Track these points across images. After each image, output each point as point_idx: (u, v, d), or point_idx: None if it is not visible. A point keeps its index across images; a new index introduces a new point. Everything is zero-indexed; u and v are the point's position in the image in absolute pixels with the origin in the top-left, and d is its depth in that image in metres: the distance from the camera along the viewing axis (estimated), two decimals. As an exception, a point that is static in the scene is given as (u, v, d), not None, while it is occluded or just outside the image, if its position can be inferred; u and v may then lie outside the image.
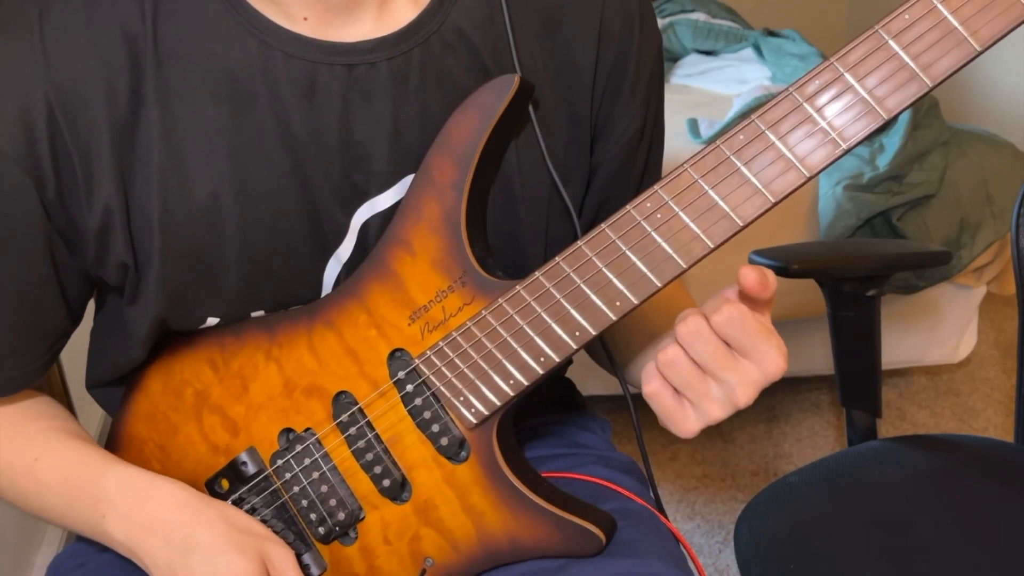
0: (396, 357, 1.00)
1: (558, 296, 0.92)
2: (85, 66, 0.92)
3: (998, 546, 1.32)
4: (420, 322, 0.98)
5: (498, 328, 0.95)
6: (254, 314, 1.04)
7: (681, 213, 0.86)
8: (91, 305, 1.13)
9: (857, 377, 1.67)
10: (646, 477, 1.22)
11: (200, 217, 0.96)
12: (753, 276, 0.82)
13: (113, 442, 1.12)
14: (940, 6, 0.78)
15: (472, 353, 0.96)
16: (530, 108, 1.00)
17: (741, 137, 0.84)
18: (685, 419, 0.90)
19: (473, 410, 0.98)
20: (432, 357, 0.98)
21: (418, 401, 1.00)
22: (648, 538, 1.08)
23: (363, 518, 1.03)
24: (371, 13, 0.96)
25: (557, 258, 0.92)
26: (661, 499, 1.17)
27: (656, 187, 0.87)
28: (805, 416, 2.89)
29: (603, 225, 0.89)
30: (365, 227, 1.01)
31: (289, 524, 1.05)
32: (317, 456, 1.02)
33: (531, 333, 0.94)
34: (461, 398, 0.98)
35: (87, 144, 0.93)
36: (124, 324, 1.05)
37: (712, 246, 0.86)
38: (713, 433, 2.83)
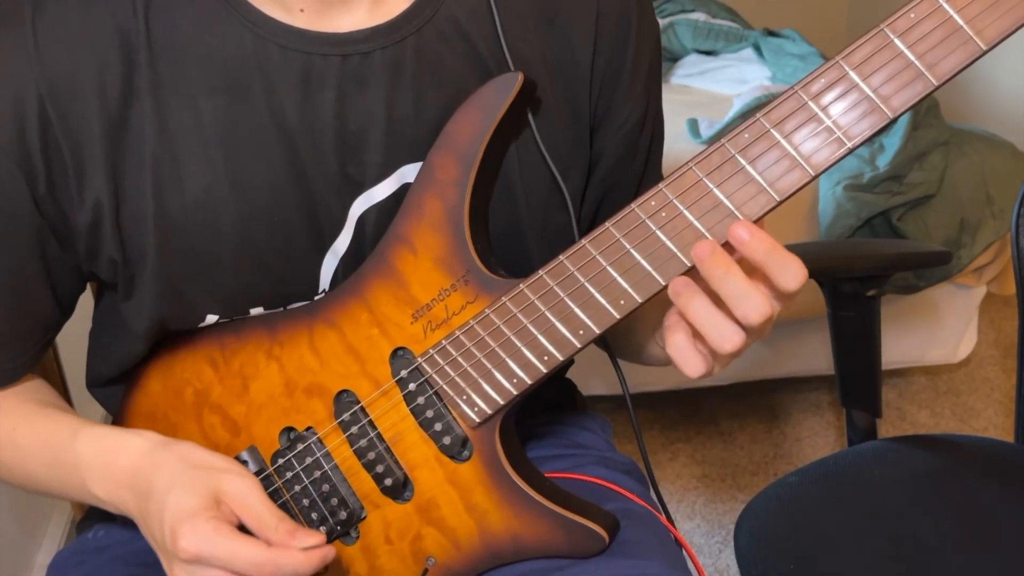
0: (398, 356, 1.00)
1: (562, 294, 0.92)
2: (77, 60, 0.92)
3: (998, 546, 1.32)
4: (422, 320, 0.98)
5: (501, 327, 0.95)
6: (253, 311, 1.04)
7: (686, 211, 0.86)
8: (89, 305, 1.13)
9: (857, 377, 1.67)
10: (646, 478, 1.22)
11: (195, 210, 0.96)
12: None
13: (113, 441, 1.12)
14: (945, 5, 0.78)
15: (475, 351, 0.96)
16: (530, 116, 1.00)
17: (746, 135, 0.84)
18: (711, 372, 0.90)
19: (476, 409, 0.98)
20: (435, 356, 0.98)
21: (420, 400, 1.00)
22: (649, 539, 1.08)
23: (365, 517, 1.03)
24: (366, 2, 0.96)
25: (561, 256, 0.92)
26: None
27: (661, 185, 0.87)
28: (805, 416, 2.89)
29: (607, 223, 0.89)
30: (362, 219, 1.01)
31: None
32: (318, 455, 1.02)
33: (534, 331, 0.94)
34: (464, 397, 0.98)
35: (78, 138, 0.93)
36: (123, 320, 1.05)
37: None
38: (713, 433, 2.83)
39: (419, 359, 0.99)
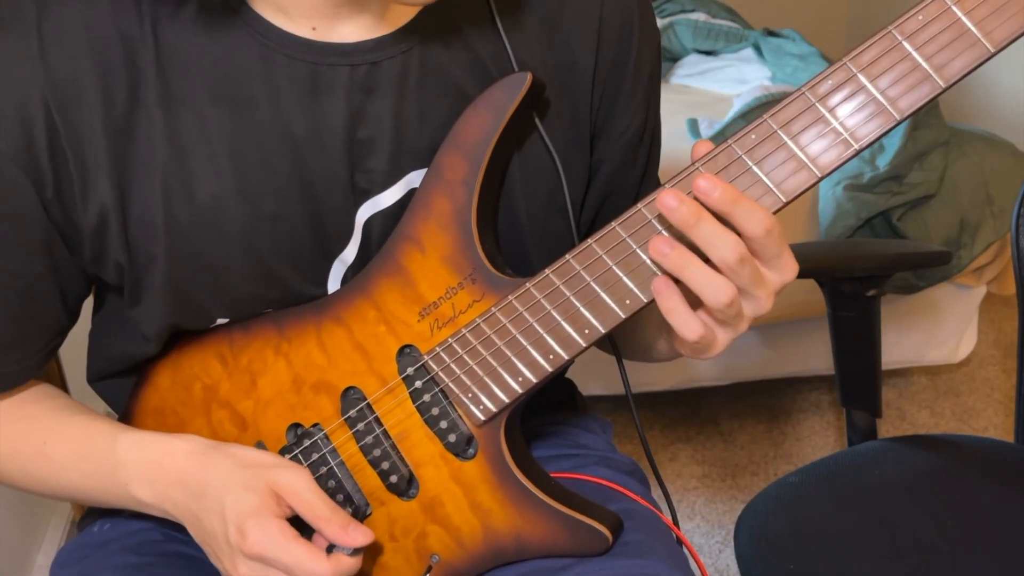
0: (405, 353, 1.00)
1: (568, 294, 0.92)
2: (82, 67, 0.92)
3: (998, 546, 1.32)
4: (429, 318, 0.99)
5: (507, 325, 0.95)
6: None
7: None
8: (87, 303, 1.13)
9: (857, 377, 1.67)
10: (647, 478, 1.22)
11: (203, 218, 0.96)
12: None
13: (121, 436, 1.12)
14: (954, 7, 0.78)
15: (481, 350, 0.96)
16: (536, 118, 1.01)
17: (753, 136, 0.84)
18: (714, 345, 0.90)
19: (481, 407, 0.98)
20: (441, 353, 0.98)
21: (426, 397, 1.00)
22: (652, 539, 1.09)
23: (369, 514, 1.03)
24: (374, 13, 0.96)
25: (567, 255, 0.92)
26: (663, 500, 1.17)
27: (667, 184, 0.87)
28: (805, 416, 2.89)
29: (613, 223, 0.90)
30: (368, 225, 1.01)
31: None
32: (325, 451, 1.03)
33: (540, 330, 0.94)
34: (469, 395, 0.98)
35: (82, 144, 0.93)
36: (130, 324, 1.05)
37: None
38: (713, 433, 2.83)
39: (425, 357, 0.99)
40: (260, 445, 1.04)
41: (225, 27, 0.94)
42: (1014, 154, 2.57)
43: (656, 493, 1.22)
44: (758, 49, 3.18)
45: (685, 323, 0.88)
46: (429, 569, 1.04)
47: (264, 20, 0.94)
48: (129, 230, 0.97)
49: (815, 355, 2.66)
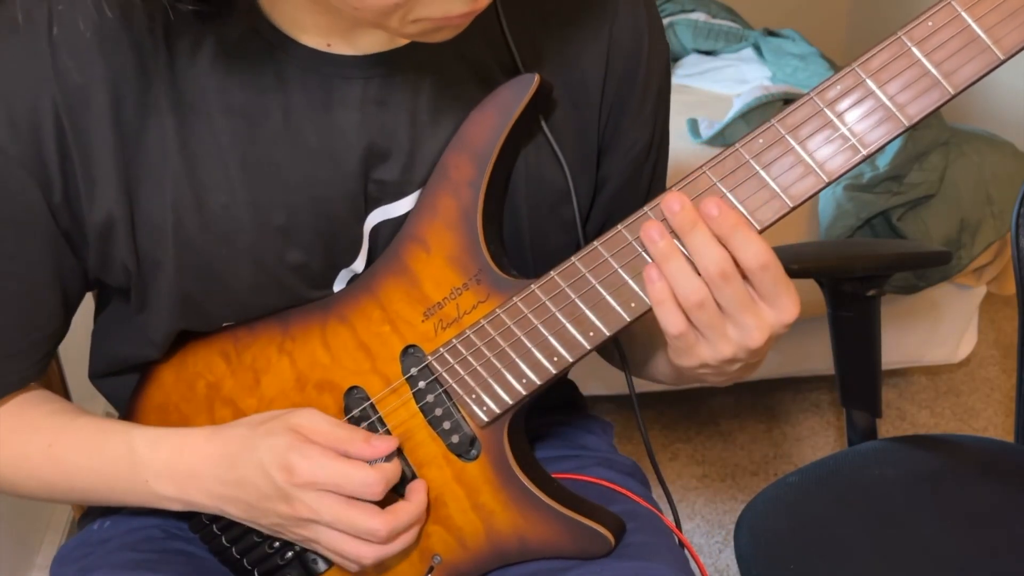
0: (409, 353, 1.00)
1: (573, 296, 0.92)
2: (93, 73, 0.91)
3: (998, 546, 1.33)
4: (434, 319, 0.99)
5: (512, 327, 0.95)
6: None
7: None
8: (87, 302, 1.12)
9: (857, 377, 1.67)
10: (648, 479, 1.22)
11: (213, 227, 0.96)
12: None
13: (125, 433, 1.12)
14: (964, 14, 0.78)
15: (485, 351, 0.97)
16: (542, 120, 1.01)
17: (760, 141, 0.84)
18: (696, 352, 0.90)
19: (485, 408, 0.98)
20: (445, 354, 0.98)
21: (430, 398, 1.00)
22: (653, 541, 1.09)
23: (371, 514, 1.04)
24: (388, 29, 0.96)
25: (573, 258, 0.92)
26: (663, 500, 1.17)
27: (674, 189, 0.87)
28: (805, 416, 2.89)
29: (620, 226, 0.90)
30: (375, 232, 1.01)
31: None
32: None
33: (545, 332, 0.94)
34: (473, 396, 0.98)
35: (90, 150, 0.92)
36: (136, 328, 1.05)
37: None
38: (713, 433, 2.83)
39: (429, 357, 0.99)
40: None
41: (240, 37, 0.94)
42: (1014, 154, 2.58)
43: (657, 493, 1.22)
44: (758, 49, 3.18)
45: (667, 313, 0.88)
46: (431, 569, 1.04)
47: (279, 31, 0.93)
48: (137, 236, 0.96)
49: (815, 355, 2.66)
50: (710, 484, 2.65)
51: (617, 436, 1.52)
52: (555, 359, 0.95)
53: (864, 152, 0.82)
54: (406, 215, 1.00)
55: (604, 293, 0.91)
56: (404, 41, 0.96)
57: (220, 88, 0.93)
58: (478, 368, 0.97)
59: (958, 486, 1.45)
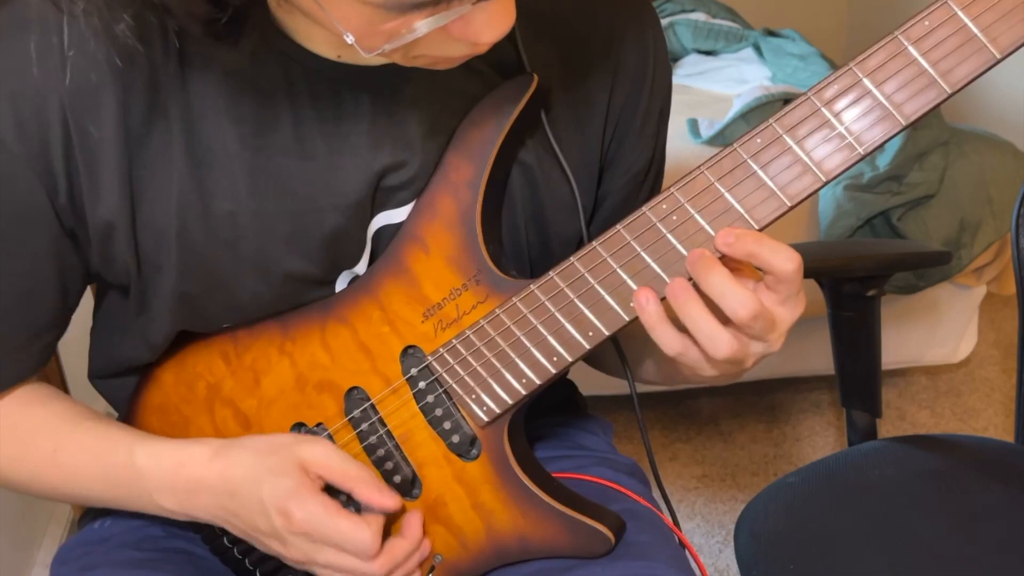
0: (409, 354, 1.00)
1: (572, 296, 0.92)
2: (102, 76, 0.91)
3: (998, 546, 1.32)
4: (434, 319, 0.99)
5: (511, 327, 0.95)
6: None
7: (697, 215, 0.87)
8: (87, 300, 1.12)
9: (857, 377, 1.67)
10: (648, 479, 1.23)
11: (216, 234, 0.96)
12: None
13: (125, 434, 1.12)
14: (960, 13, 0.78)
15: (485, 351, 0.97)
16: (543, 115, 1.01)
17: (758, 140, 0.84)
18: (701, 365, 0.91)
19: (485, 408, 0.98)
20: (445, 354, 0.98)
21: (430, 398, 1.00)
22: (654, 540, 1.09)
23: (373, 513, 1.04)
24: None
25: (572, 258, 0.92)
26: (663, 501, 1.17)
27: (672, 188, 0.87)
28: (805, 416, 2.89)
29: (618, 226, 0.90)
30: (377, 236, 1.01)
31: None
32: None
33: (544, 332, 0.94)
34: (473, 396, 0.98)
35: (94, 153, 0.92)
36: (135, 331, 1.05)
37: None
38: (713, 433, 2.83)
39: (429, 357, 0.99)
40: None
41: (251, 46, 0.94)
42: (1014, 154, 2.58)
43: (656, 494, 1.22)
44: (758, 49, 3.18)
45: (663, 335, 0.88)
46: (432, 569, 1.04)
47: (290, 41, 0.92)
48: (138, 240, 0.96)
49: (815, 355, 2.65)
50: (710, 484, 2.66)
51: (617, 436, 1.52)
52: (554, 359, 0.95)
53: (861, 151, 0.82)
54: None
55: (603, 293, 0.91)
56: None
57: (230, 95, 0.93)
58: (478, 368, 0.97)
59: (958, 486, 1.44)
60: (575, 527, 1.02)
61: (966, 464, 1.51)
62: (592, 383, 1.42)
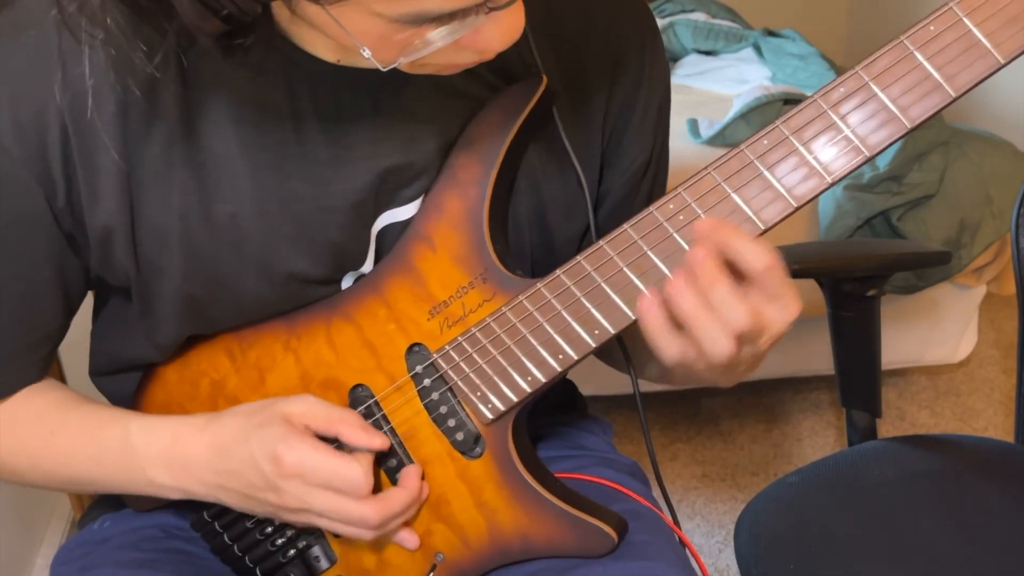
0: (414, 351, 1.01)
1: (578, 294, 0.93)
2: (101, 78, 0.90)
3: (998, 546, 1.32)
4: (439, 317, 0.99)
5: (517, 325, 0.95)
6: None
7: (703, 216, 0.87)
8: (87, 299, 1.13)
9: (857, 377, 1.67)
10: (649, 479, 1.23)
11: (219, 236, 0.96)
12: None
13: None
14: (965, 19, 0.79)
15: (491, 349, 0.97)
16: (556, 115, 1.01)
17: (765, 142, 0.85)
18: (697, 368, 0.90)
19: (490, 406, 0.99)
20: (450, 352, 0.99)
21: (435, 396, 1.00)
22: (655, 540, 1.09)
23: (376, 511, 1.04)
24: None
25: (578, 256, 0.92)
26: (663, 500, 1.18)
27: (679, 189, 0.88)
28: (805, 416, 2.90)
29: (625, 225, 0.90)
30: (382, 235, 1.02)
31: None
32: None
33: (550, 330, 0.95)
34: (478, 393, 0.99)
35: (93, 155, 0.92)
36: (138, 330, 1.05)
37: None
38: (713, 433, 2.83)
39: (434, 355, 1.00)
40: None
41: (252, 50, 0.93)
42: (1014, 154, 2.58)
43: (656, 493, 1.22)
44: (758, 49, 3.18)
45: (661, 340, 0.88)
46: (433, 567, 1.05)
47: (291, 44, 0.91)
48: (138, 243, 0.96)
49: (815, 355, 2.65)
50: (710, 484, 2.66)
51: (617, 436, 1.52)
52: (560, 357, 0.95)
53: (867, 153, 0.83)
54: (411, 219, 1.01)
55: (609, 291, 0.92)
56: None
57: (230, 97, 0.93)
58: (483, 366, 0.98)
59: (958, 486, 1.44)
60: (578, 526, 1.02)
61: (966, 464, 1.51)
62: (592, 383, 1.42)
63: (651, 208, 0.89)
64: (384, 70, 0.80)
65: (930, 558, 1.30)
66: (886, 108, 0.82)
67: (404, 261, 1.00)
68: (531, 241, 1.05)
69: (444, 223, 0.99)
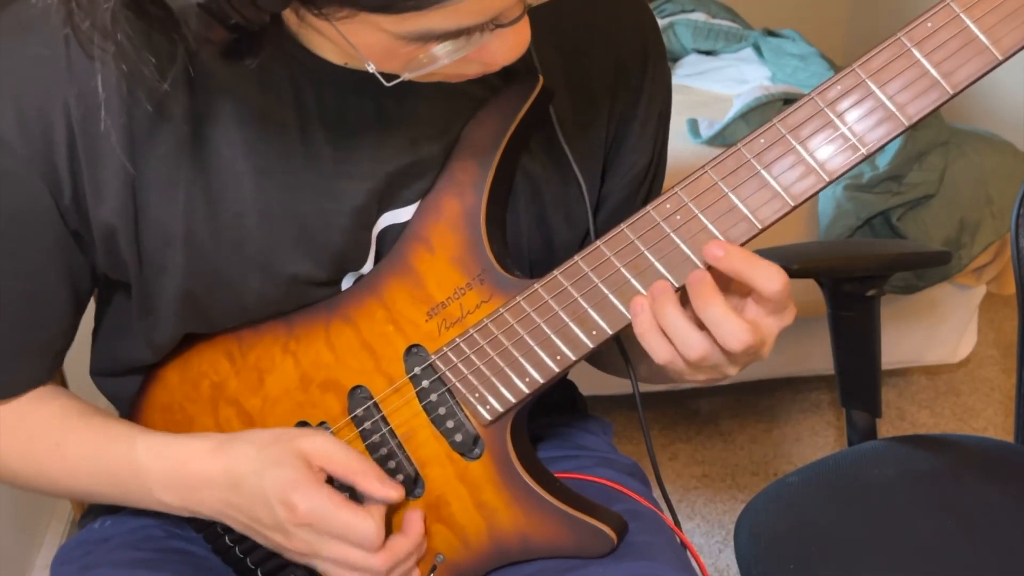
0: (413, 353, 1.01)
1: (576, 295, 0.93)
2: (107, 76, 0.90)
3: (998, 546, 1.32)
4: (438, 319, 0.99)
5: (515, 326, 0.95)
6: None
7: (700, 215, 0.87)
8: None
9: (857, 377, 1.67)
10: (649, 479, 1.23)
11: (223, 236, 0.96)
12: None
13: (129, 432, 1.12)
14: (963, 15, 0.78)
15: (489, 350, 0.97)
16: (553, 116, 1.01)
17: (762, 140, 0.85)
18: (689, 373, 0.93)
19: (488, 407, 0.98)
20: (448, 353, 0.99)
21: (433, 397, 1.00)
22: (656, 540, 1.09)
23: (375, 512, 1.04)
24: None
25: (576, 257, 0.92)
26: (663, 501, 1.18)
27: (676, 188, 0.88)
28: (805, 416, 2.90)
29: (622, 225, 0.90)
30: (382, 235, 1.02)
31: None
32: None
33: (548, 331, 0.94)
34: (476, 394, 0.98)
35: (98, 154, 0.92)
36: (139, 330, 1.05)
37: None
38: (713, 433, 2.83)
39: (433, 356, 1.00)
40: None
41: (258, 55, 0.93)
42: (1014, 154, 2.58)
43: (656, 494, 1.22)
44: (758, 49, 3.18)
45: (652, 341, 0.90)
46: (434, 568, 1.05)
47: (298, 45, 0.90)
48: (141, 241, 0.96)
49: (815, 355, 2.66)
50: (710, 484, 2.66)
51: (616, 436, 1.52)
52: (558, 358, 0.95)
53: (864, 151, 0.83)
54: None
55: (606, 292, 0.92)
56: None
57: (236, 100, 0.93)
58: (481, 367, 0.98)
59: (958, 486, 1.44)
60: (577, 527, 1.02)
61: (966, 464, 1.51)
62: (592, 383, 1.42)
63: (648, 208, 0.89)
64: (389, 85, 0.80)
65: (930, 558, 1.30)
66: (883, 106, 0.82)
67: (402, 262, 1.00)
68: (530, 243, 1.05)
69: (442, 224, 0.99)
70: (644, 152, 1.09)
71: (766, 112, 2.62)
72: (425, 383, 1.00)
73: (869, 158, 0.84)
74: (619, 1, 1.07)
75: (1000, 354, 3.15)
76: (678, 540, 1.13)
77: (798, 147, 0.84)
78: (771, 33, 3.27)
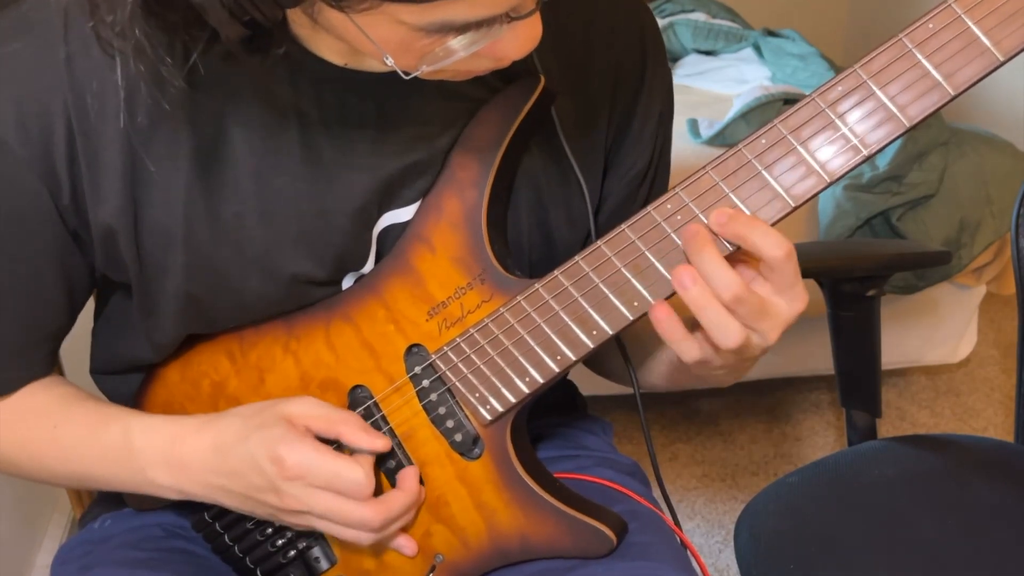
0: (413, 352, 1.01)
1: (576, 295, 0.93)
2: (105, 77, 0.90)
3: (998, 546, 1.32)
4: (438, 318, 0.99)
5: (516, 325, 0.95)
6: None
7: (701, 216, 0.87)
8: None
9: (857, 377, 1.67)
10: (649, 480, 1.22)
11: (223, 236, 0.96)
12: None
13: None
14: (964, 16, 0.78)
15: (489, 350, 0.97)
16: (554, 117, 1.01)
17: (763, 141, 0.85)
18: (712, 362, 0.92)
19: (488, 407, 0.98)
20: (449, 353, 0.99)
21: (433, 396, 1.00)
22: (656, 541, 1.09)
23: (375, 512, 1.04)
24: None
25: (576, 257, 0.92)
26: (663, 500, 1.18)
27: (677, 188, 0.88)
28: (805, 416, 2.90)
29: (623, 225, 0.90)
30: (383, 235, 1.02)
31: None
32: None
33: (548, 331, 0.94)
34: (476, 394, 0.98)
35: (97, 154, 0.92)
36: (141, 330, 1.05)
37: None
38: (713, 433, 2.83)
39: (433, 356, 1.00)
40: None
41: (269, 52, 0.93)
42: (1014, 154, 2.58)
43: (656, 494, 1.22)
44: (758, 49, 3.18)
45: (687, 347, 0.89)
46: (433, 568, 1.04)
47: (298, 46, 0.92)
48: (141, 242, 0.96)
49: (815, 355, 2.65)
50: (710, 484, 2.66)
51: (616, 436, 1.52)
52: (558, 358, 0.95)
53: (865, 152, 0.83)
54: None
55: (607, 292, 0.92)
56: None
57: (237, 99, 0.93)
58: (481, 367, 0.98)
59: (958, 486, 1.44)
60: (577, 527, 1.02)
61: (966, 464, 1.51)
62: (592, 383, 1.42)
63: (648, 208, 0.89)
64: (407, 77, 0.80)
65: (930, 558, 1.30)
66: (884, 107, 0.82)
67: (403, 262, 1.00)
68: (531, 243, 1.05)
69: (443, 224, 0.99)
70: (644, 152, 1.09)
71: (766, 112, 2.62)
72: (425, 383, 1.00)
73: (870, 159, 0.84)
74: (618, 2, 1.07)
75: (1000, 354, 3.15)
76: (678, 540, 1.13)
77: (799, 148, 0.84)
78: (771, 33, 3.27)
